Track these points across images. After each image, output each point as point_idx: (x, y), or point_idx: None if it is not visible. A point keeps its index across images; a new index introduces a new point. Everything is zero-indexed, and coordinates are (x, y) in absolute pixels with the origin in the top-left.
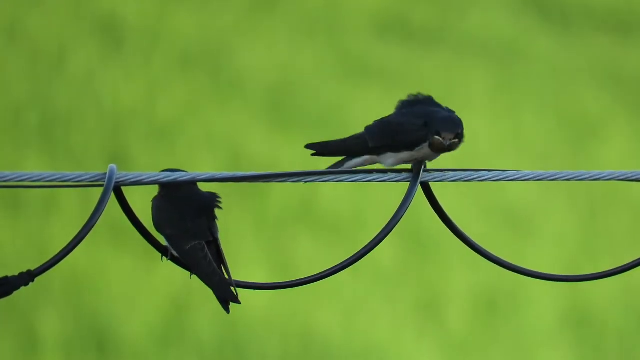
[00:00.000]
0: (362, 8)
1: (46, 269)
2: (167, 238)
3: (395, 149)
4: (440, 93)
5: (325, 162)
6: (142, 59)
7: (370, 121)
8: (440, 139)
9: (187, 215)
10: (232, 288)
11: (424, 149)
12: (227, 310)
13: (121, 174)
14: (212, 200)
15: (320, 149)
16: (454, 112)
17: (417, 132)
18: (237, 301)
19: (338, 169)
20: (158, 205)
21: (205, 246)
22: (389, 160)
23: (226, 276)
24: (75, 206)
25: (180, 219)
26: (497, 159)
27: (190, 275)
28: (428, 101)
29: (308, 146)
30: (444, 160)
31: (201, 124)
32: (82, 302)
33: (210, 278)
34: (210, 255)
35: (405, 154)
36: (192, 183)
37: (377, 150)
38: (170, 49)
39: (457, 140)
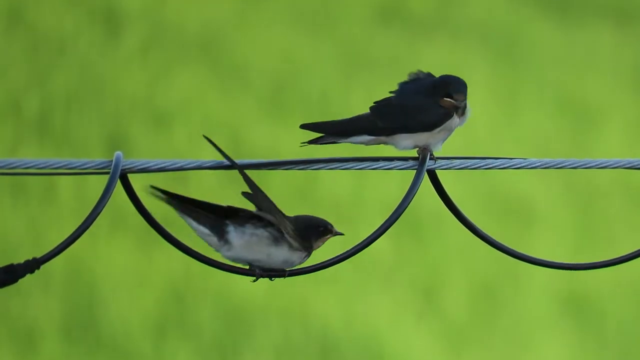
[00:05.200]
0: None
1: (52, 257)
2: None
3: (412, 129)
4: None
5: (323, 148)
6: (142, 46)
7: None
8: (452, 100)
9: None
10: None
11: (443, 130)
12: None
13: (127, 161)
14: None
15: (318, 129)
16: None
17: (439, 111)
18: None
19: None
20: None
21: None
22: (403, 142)
23: None
24: (71, 193)
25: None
26: (495, 146)
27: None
28: (428, 77)
29: (303, 126)
30: (444, 147)
31: (202, 112)
32: (79, 290)
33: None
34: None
35: (422, 136)
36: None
37: (387, 131)
38: (171, 36)
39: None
